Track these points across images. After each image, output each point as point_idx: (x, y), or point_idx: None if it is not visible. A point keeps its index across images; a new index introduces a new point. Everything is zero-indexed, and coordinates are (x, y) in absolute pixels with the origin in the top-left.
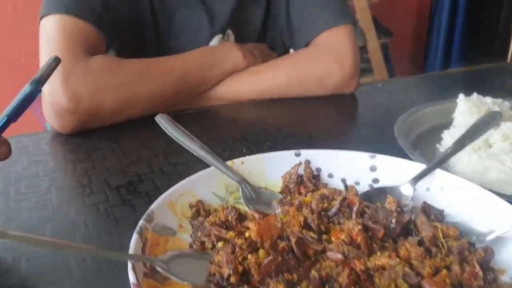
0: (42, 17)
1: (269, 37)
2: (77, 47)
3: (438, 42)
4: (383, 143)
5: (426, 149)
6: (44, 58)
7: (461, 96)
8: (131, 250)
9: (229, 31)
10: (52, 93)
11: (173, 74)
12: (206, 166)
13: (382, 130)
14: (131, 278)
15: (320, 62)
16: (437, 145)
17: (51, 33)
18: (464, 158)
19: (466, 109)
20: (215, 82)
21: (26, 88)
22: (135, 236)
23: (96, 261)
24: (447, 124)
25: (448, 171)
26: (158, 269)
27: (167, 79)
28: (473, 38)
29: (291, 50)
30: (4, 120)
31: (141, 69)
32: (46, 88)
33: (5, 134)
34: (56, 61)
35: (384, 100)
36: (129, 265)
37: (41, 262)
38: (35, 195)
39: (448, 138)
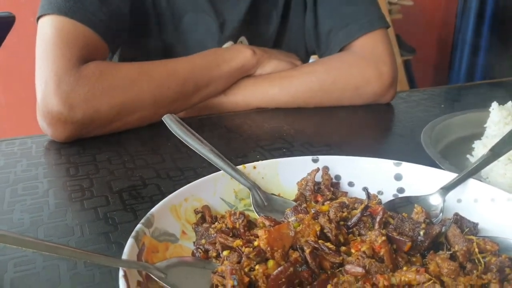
0: (40, 17)
1: (285, 45)
2: (73, 52)
3: (462, 59)
4: (409, 153)
5: (455, 159)
6: (39, 59)
7: (494, 104)
8: (124, 256)
9: (243, 38)
10: (44, 101)
11: (176, 75)
12: (216, 172)
13: (407, 140)
14: (121, 286)
15: (357, 70)
16: (468, 156)
17: (48, 35)
18: (499, 169)
19: (500, 118)
20: (223, 82)
21: None
22: (130, 241)
23: (88, 267)
24: (478, 134)
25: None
26: (154, 278)
27: (170, 80)
28: (498, 56)
29: (311, 59)
30: None
31: (140, 71)
32: (38, 96)
33: (11, 136)
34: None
35: (409, 109)
36: (121, 272)
37: (30, 267)
38: (30, 197)
39: (481, 148)
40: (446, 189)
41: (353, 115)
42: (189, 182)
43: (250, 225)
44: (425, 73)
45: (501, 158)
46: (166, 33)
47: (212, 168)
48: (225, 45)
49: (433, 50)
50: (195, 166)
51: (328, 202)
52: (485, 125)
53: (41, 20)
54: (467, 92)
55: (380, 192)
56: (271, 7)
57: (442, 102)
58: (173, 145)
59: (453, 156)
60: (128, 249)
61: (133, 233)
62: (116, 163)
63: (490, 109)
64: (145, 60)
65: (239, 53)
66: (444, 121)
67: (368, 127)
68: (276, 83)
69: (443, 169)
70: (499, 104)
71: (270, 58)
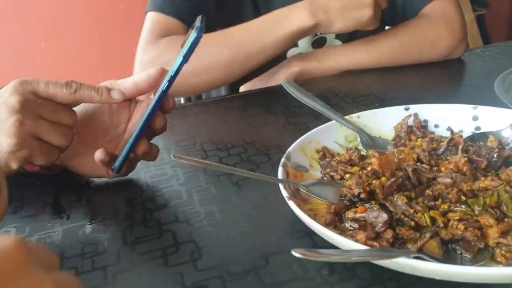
0: (146, 13)
1: None
2: (154, 33)
3: None
4: (484, 100)
5: None
6: (141, 41)
7: None
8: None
9: None
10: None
11: (229, 42)
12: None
13: (481, 90)
14: (285, 193)
15: (432, 28)
16: None
17: (145, 25)
18: None
19: None
20: (275, 48)
21: (192, 34)
22: (280, 169)
23: (252, 189)
24: None
25: None
26: (301, 191)
27: (222, 47)
28: None
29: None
30: (181, 60)
31: (205, 39)
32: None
33: None
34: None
35: (484, 64)
36: (281, 186)
37: (208, 192)
38: (190, 149)
39: None
40: None
41: (430, 70)
42: (304, 133)
43: (362, 157)
44: (499, 27)
45: None
46: (259, 12)
47: (318, 122)
48: None
49: (507, 2)
50: (305, 121)
51: (420, 139)
52: None
53: (146, 16)
54: None
55: (460, 131)
56: None
57: None
58: (283, 106)
59: None
60: (280, 173)
61: (281, 163)
62: (242, 123)
63: None
64: None
65: (294, 18)
66: None
67: (444, 81)
68: (362, 48)
69: None
70: None
71: (333, 21)
